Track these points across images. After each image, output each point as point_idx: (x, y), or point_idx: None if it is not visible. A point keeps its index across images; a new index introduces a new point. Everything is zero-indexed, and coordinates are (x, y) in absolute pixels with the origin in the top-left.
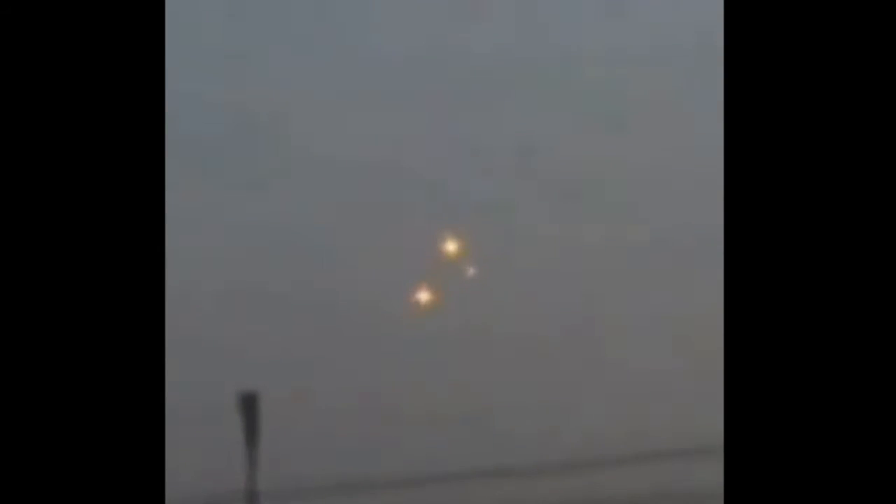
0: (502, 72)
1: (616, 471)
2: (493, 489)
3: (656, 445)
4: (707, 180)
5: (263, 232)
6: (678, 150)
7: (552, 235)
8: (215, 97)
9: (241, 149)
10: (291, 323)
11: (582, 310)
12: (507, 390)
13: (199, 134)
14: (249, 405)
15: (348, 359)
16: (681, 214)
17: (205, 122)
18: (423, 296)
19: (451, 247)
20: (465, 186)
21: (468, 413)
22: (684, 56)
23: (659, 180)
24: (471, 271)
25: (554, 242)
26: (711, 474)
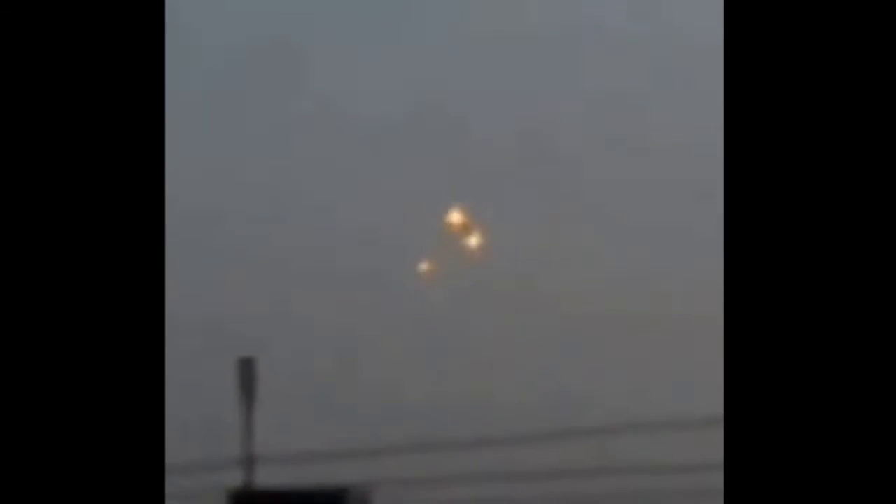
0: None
1: (624, 438)
2: (497, 456)
3: (657, 415)
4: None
5: (266, 192)
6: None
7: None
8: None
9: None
10: (292, 287)
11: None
12: (508, 361)
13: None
14: (246, 370)
15: (348, 324)
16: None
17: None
18: (428, 265)
19: (456, 217)
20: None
21: (468, 381)
22: None
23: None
24: (474, 241)
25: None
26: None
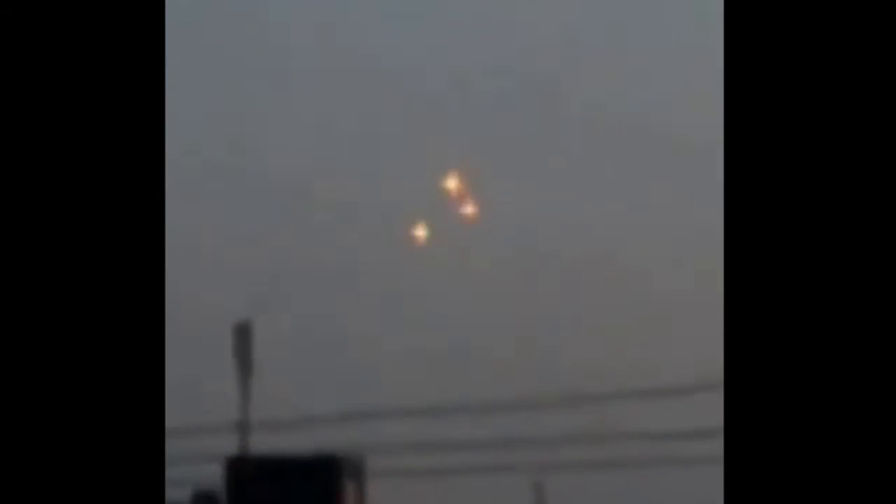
0: None
1: (604, 405)
2: (493, 422)
3: (657, 381)
4: None
5: (260, 151)
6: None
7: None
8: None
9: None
10: (289, 249)
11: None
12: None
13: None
14: (243, 335)
15: (346, 288)
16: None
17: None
18: (422, 230)
19: (452, 182)
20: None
21: (467, 346)
22: None
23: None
24: (470, 209)
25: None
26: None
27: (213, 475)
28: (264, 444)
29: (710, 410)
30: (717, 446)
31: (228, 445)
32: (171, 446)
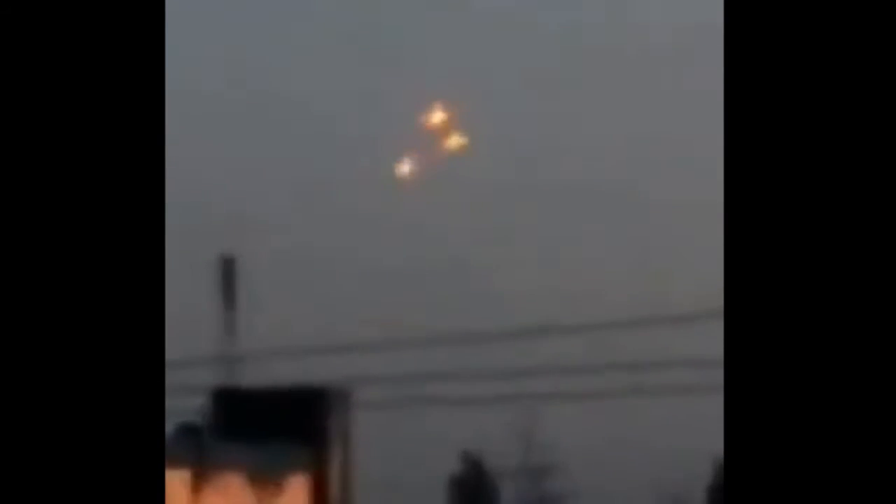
0: None
1: (597, 334)
2: (482, 353)
3: (651, 310)
4: None
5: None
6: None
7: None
8: None
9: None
10: (271, 181)
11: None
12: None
13: None
14: (227, 269)
15: (327, 219)
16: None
17: None
18: (406, 165)
19: (437, 116)
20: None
21: (450, 272)
22: None
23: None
24: (456, 140)
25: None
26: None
27: (196, 408)
28: (250, 376)
29: (708, 339)
30: (717, 375)
31: (213, 378)
32: None
